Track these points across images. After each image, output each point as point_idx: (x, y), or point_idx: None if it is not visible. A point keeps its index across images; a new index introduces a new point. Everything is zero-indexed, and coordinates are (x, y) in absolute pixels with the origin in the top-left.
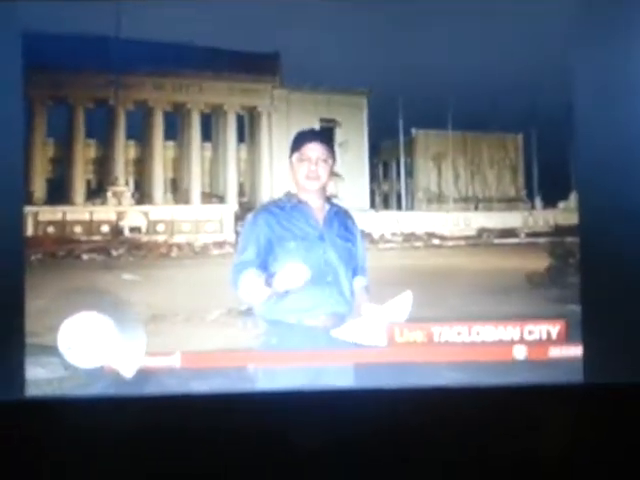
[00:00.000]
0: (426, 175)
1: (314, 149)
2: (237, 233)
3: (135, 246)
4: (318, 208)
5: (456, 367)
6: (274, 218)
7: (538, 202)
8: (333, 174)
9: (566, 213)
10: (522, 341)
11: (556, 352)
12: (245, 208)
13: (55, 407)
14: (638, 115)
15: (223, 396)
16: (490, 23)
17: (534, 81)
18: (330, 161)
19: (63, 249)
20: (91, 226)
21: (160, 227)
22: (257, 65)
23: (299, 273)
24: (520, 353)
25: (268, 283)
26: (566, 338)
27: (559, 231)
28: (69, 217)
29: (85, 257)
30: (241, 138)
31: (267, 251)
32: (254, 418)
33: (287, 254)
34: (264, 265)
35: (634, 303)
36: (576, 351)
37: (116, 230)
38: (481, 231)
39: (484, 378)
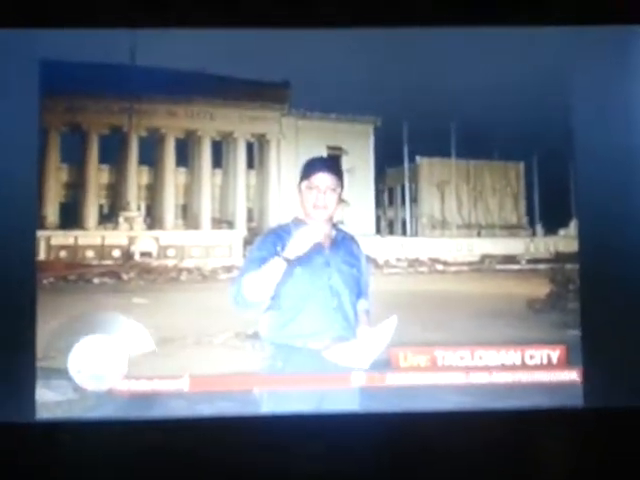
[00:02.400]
0: (430, 202)
1: (323, 178)
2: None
3: (146, 270)
4: (325, 234)
5: (458, 391)
6: (281, 242)
7: (539, 229)
8: (340, 201)
9: (566, 240)
10: (523, 366)
11: (556, 377)
12: (254, 233)
13: (64, 430)
14: (637, 144)
15: (229, 420)
16: (494, 56)
17: (536, 111)
18: (338, 190)
19: (75, 273)
20: (103, 250)
21: (170, 252)
22: (267, 93)
23: (311, 233)
24: (521, 377)
25: (280, 255)
26: (566, 363)
27: (559, 258)
28: (81, 241)
29: (96, 281)
30: (250, 165)
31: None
32: (260, 441)
33: (293, 279)
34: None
35: (633, 328)
36: (576, 375)
37: (127, 255)
38: (483, 257)
39: (485, 402)
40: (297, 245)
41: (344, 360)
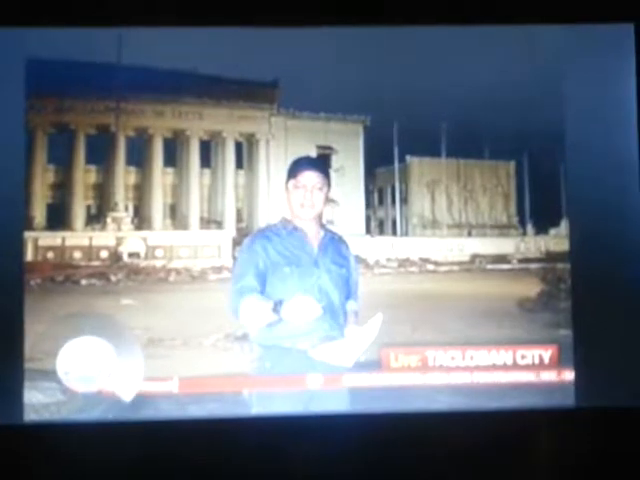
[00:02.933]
0: (420, 201)
1: (310, 177)
2: (235, 258)
3: (134, 271)
4: (313, 235)
5: (450, 391)
6: (270, 243)
7: (530, 229)
8: (329, 200)
9: (557, 239)
10: (515, 366)
11: (548, 376)
12: (243, 233)
13: (53, 432)
14: (628, 143)
15: (219, 421)
16: (485, 55)
17: (526, 110)
18: (325, 189)
19: (62, 274)
20: (90, 251)
21: (159, 252)
22: (255, 93)
23: (310, 308)
24: (513, 377)
25: (276, 310)
26: (558, 362)
27: (550, 257)
28: (68, 242)
29: (84, 282)
30: (239, 164)
31: (265, 276)
32: (249, 443)
33: (281, 280)
34: (263, 290)
35: (625, 328)
36: (568, 375)
37: (115, 255)
38: (474, 257)
39: (477, 402)
40: (292, 312)
41: (329, 358)
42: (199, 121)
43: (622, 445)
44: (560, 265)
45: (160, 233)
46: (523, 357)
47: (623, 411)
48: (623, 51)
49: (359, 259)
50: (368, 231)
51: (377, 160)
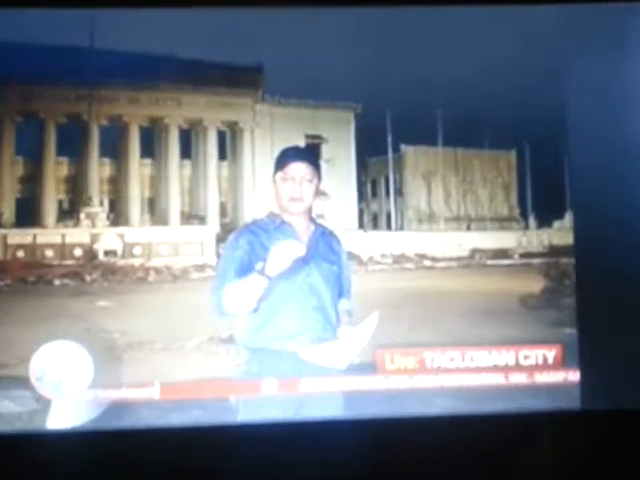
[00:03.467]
0: (416, 193)
1: (298, 168)
2: (218, 256)
3: (110, 270)
4: (303, 229)
5: (449, 394)
6: (256, 239)
7: (532, 222)
8: (319, 193)
9: (561, 233)
10: (517, 366)
11: (552, 378)
12: (227, 229)
13: (26, 443)
14: (633, 133)
15: (204, 429)
16: (482, 38)
17: (527, 98)
18: (315, 181)
19: (33, 274)
20: (63, 250)
21: (137, 250)
22: (239, 78)
23: (293, 249)
24: (515, 379)
25: (261, 272)
26: (562, 363)
27: (554, 252)
28: (40, 240)
29: (57, 282)
30: (222, 155)
31: (248, 272)
32: (236, 451)
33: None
34: None
35: (632, 325)
36: (573, 376)
37: (90, 254)
38: (473, 252)
39: (478, 405)
40: (277, 262)
41: (320, 360)
42: (178, 108)
43: (630, 449)
44: (564, 260)
45: (138, 229)
46: (526, 357)
47: (631, 413)
48: (627, 34)
49: (352, 255)
50: (361, 225)
51: (370, 150)
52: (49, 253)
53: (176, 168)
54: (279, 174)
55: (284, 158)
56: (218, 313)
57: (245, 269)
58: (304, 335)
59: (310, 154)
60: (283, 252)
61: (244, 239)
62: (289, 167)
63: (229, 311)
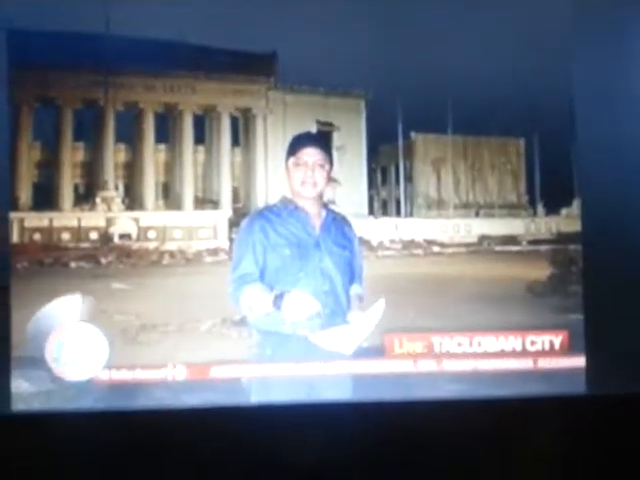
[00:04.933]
0: (425, 180)
1: (311, 154)
2: (231, 240)
3: (125, 254)
4: (315, 214)
5: (456, 378)
6: (269, 224)
7: (540, 209)
8: (330, 179)
9: (569, 220)
10: (524, 352)
11: (558, 363)
12: (240, 214)
13: (42, 422)
14: None
15: (216, 410)
16: (491, 27)
17: (536, 85)
18: (327, 166)
19: (50, 257)
20: (79, 233)
21: (151, 234)
22: (252, 65)
23: (309, 304)
24: (522, 364)
25: (277, 305)
26: (569, 348)
27: (561, 238)
28: (56, 223)
29: (73, 265)
30: (235, 141)
31: (264, 259)
32: (248, 432)
33: (282, 262)
34: (262, 274)
35: (637, 312)
36: (579, 362)
37: (105, 237)
38: (482, 238)
39: (485, 390)
40: (291, 311)
41: (328, 344)
42: (192, 95)
43: (635, 433)
44: (571, 247)
45: (152, 214)
46: (532, 343)
47: (636, 398)
48: (631, 28)
49: (362, 241)
50: (371, 212)
51: (380, 137)
52: (65, 236)
53: (190, 154)
54: (292, 159)
55: (297, 144)
56: (234, 305)
57: (260, 258)
58: (315, 320)
59: (322, 140)
60: (298, 305)
61: (257, 225)
62: (301, 152)
63: (243, 313)
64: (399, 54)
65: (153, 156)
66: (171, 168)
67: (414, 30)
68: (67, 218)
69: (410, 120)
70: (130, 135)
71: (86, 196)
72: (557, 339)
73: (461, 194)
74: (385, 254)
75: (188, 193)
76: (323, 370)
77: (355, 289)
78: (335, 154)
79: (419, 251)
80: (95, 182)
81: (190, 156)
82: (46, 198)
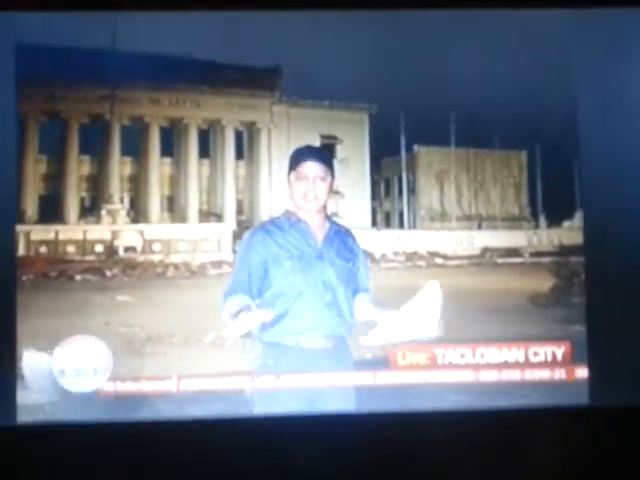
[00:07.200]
0: (428, 193)
1: (311, 167)
2: (235, 252)
3: (130, 266)
4: (318, 227)
5: (459, 390)
6: (270, 237)
7: (542, 221)
8: (333, 192)
9: (571, 232)
10: (527, 363)
11: (561, 374)
12: (244, 227)
13: (47, 433)
14: None
15: (220, 421)
16: (493, 40)
17: (538, 98)
18: (329, 179)
19: (56, 269)
20: (85, 246)
21: (156, 246)
22: (256, 80)
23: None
24: (525, 375)
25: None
26: (572, 360)
27: (564, 251)
28: (62, 236)
29: (78, 278)
30: (240, 154)
31: (261, 272)
32: (251, 443)
33: (283, 274)
34: (258, 287)
35: (639, 324)
36: (581, 373)
37: (110, 250)
38: (484, 250)
39: (488, 401)
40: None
41: (407, 335)
42: (197, 109)
43: (638, 445)
44: (574, 259)
45: (157, 226)
46: (535, 354)
47: (638, 410)
48: (634, 39)
49: (365, 253)
50: (374, 224)
51: (383, 149)
52: (71, 249)
53: (195, 167)
54: (293, 173)
55: (297, 158)
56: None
57: (255, 272)
58: (318, 331)
59: (322, 153)
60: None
61: (258, 238)
62: (302, 166)
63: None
64: (402, 68)
65: (158, 169)
66: (176, 181)
67: (417, 44)
68: (72, 231)
69: (413, 133)
70: (135, 148)
71: (91, 209)
72: (560, 350)
73: (464, 206)
74: (388, 266)
75: (193, 206)
76: (326, 381)
77: (364, 297)
78: (338, 167)
79: (422, 263)
80: (100, 195)
81: (195, 169)
82: (52, 211)
